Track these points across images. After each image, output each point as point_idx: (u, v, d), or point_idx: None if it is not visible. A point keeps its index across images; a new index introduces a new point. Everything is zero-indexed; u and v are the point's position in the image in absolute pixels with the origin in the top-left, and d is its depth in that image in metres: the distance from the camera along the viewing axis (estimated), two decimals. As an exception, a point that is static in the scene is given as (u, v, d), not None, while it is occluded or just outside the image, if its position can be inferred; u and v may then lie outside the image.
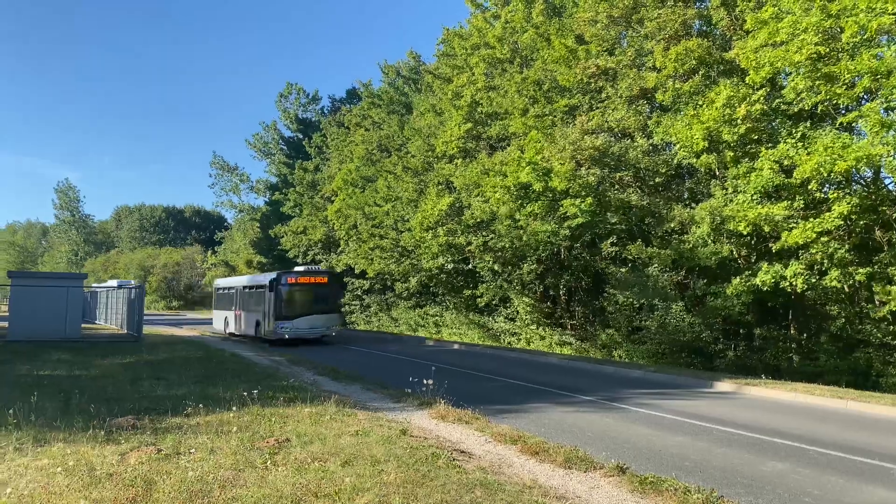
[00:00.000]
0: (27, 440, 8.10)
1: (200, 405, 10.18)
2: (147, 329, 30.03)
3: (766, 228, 16.97)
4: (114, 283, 52.83)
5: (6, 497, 6.08)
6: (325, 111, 60.54)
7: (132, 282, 62.75)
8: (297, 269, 30.25)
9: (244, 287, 31.16)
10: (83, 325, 29.48)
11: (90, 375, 15.05)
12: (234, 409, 10.07)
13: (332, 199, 42.71)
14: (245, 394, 10.85)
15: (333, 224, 41.65)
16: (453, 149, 29.86)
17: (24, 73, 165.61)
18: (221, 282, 37.39)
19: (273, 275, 27.49)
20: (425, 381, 11.53)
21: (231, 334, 32.21)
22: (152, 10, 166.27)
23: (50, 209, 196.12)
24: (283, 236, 51.00)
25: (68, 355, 19.27)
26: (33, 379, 13.88)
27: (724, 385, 15.40)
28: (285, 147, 61.26)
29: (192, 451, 7.74)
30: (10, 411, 9.05)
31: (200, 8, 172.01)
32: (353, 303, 43.54)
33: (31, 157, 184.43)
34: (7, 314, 27.44)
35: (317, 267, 31.16)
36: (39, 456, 7.50)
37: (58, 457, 7.41)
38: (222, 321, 34.10)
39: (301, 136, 57.82)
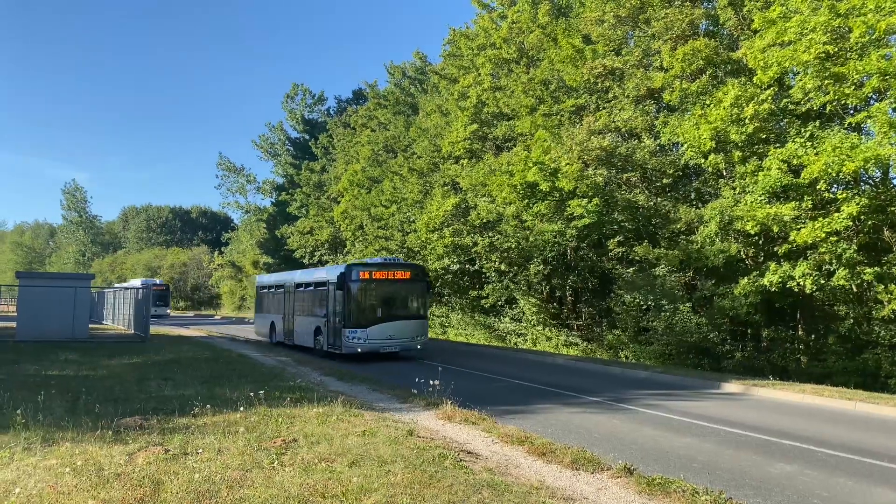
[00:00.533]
0: (35, 440, 8.13)
1: (207, 405, 10.19)
2: (154, 329, 30.14)
3: (775, 228, 16.91)
4: (137, 282, 52.86)
5: (15, 496, 6.10)
6: (332, 112, 60.74)
7: (158, 280, 62.53)
8: (371, 259, 24.04)
9: (298, 284, 25.33)
10: (90, 326, 29.59)
11: (98, 375, 15.11)
12: (241, 409, 10.08)
13: (339, 199, 42.83)
14: (252, 394, 10.86)
15: (340, 225, 41.78)
16: (459, 149, 29.89)
17: (31, 74, 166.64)
18: (266, 278, 31.45)
19: (340, 268, 21.42)
20: (431, 382, 11.53)
21: (279, 343, 26.53)
22: (158, 10, 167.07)
23: (57, 210, 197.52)
24: (289, 237, 51.19)
25: (76, 355, 19.34)
26: (41, 379, 13.93)
27: (732, 386, 15.34)
28: (291, 148, 61.48)
29: (200, 451, 7.75)
30: (19, 411, 9.08)
31: (207, 9, 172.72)
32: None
33: (38, 158, 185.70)
34: (15, 314, 27.56)
35: (398, 258, 24.31)
36: (48, 456, 7.52)
37: (66, 456, 7.43)
38: (267, 326, 28.25)
39: (307, 137, 58.03)
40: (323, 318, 22.01)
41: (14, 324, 26.29)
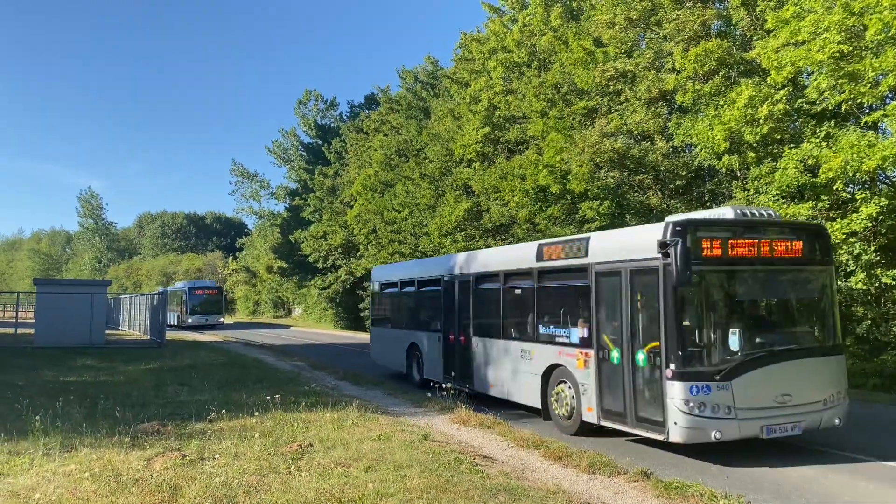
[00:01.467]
0: (54, 446, 8.21)
1: (224, 410, 10.24)
2: (169, 335, 30.33)
3: (796, 229, 16.74)
4: (182, 284, 52.28)
5: (35, 502, 6.16)
6: (344, 117, 60.90)
7: (208, 282, 60.65)
8: (711, 214, 9.83)
9: (482, 276, 13.45)
10: (107, 331, 29.84)
11: (115, 381, 15.25)
12: (256, 414, 10.12)
13: (352, 204, 42.97)
14: (268, 399, 10.89)
15: (353, 229, 41.92)
16: (471, 153, 29.88)
17: (44, 81, 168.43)
18: (394, 270, 20.89)
19: (648, 230, 9.20)
20: (444, 386, 11.52)
21: (430, 384, 14.46)
22: (171, 17, 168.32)
23: (73, 217, 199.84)
24: (303, 241, 51.39)
25: (93, 361, 19.52)
26: (59, 385, 14.07)
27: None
28: (305, 153, 61.73)
29: (217, 456, 7.79)
30: (38, 417, 9.15)
31: (220, 17, 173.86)
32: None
33: (52, 166, 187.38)
34: (33, 321, 27.87)
35: (770, 212, 9.95)
36: (67, 461, 7.59)
37: (84, 462, 7.49)
38: (403, 352, 16.83)
39: (320, 142, 58.22)
40: (578, 346, 10.16)
41: (32, 330, 26.56)
